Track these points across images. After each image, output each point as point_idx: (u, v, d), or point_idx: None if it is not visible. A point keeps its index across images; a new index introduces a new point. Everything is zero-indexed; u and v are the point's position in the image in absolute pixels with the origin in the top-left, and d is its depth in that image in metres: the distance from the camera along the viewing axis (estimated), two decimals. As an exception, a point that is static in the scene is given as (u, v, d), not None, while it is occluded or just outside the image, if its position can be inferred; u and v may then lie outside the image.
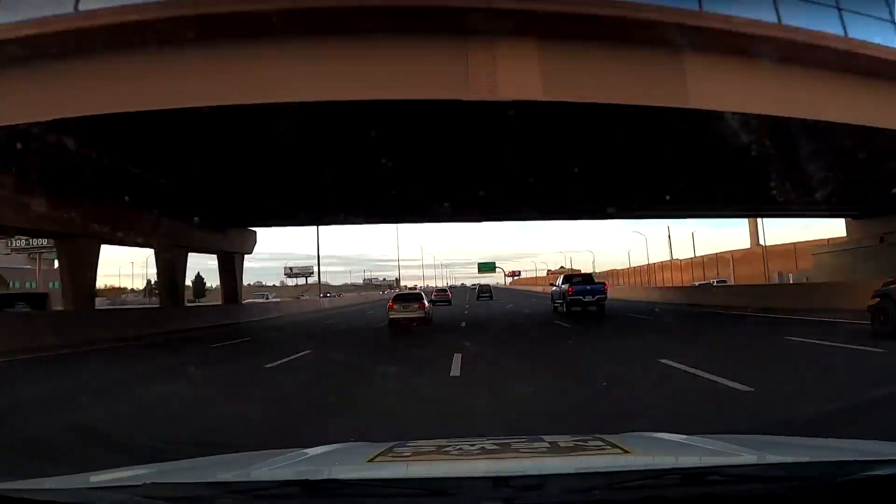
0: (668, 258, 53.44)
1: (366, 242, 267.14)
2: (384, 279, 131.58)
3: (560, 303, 23.05)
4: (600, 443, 1.82)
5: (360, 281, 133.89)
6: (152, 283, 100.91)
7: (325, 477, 1.47)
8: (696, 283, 37.77)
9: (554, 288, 25.44)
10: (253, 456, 1.84)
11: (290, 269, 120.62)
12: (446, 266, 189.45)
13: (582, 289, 21.83)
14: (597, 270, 66.99)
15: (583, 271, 44.88)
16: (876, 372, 7.04)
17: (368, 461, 1.75)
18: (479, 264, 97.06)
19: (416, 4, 8.98)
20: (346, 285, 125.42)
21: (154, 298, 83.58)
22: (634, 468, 1.57)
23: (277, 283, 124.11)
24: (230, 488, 1.39)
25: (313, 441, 2.24)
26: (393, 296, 21.68)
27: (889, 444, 1.66)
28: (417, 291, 23.90)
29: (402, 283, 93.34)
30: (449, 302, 40.65)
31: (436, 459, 1.89)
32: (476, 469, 1.69)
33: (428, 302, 20.07)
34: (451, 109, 10.52)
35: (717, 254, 43.01)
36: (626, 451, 1.72)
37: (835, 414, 4.73)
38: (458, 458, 1.82)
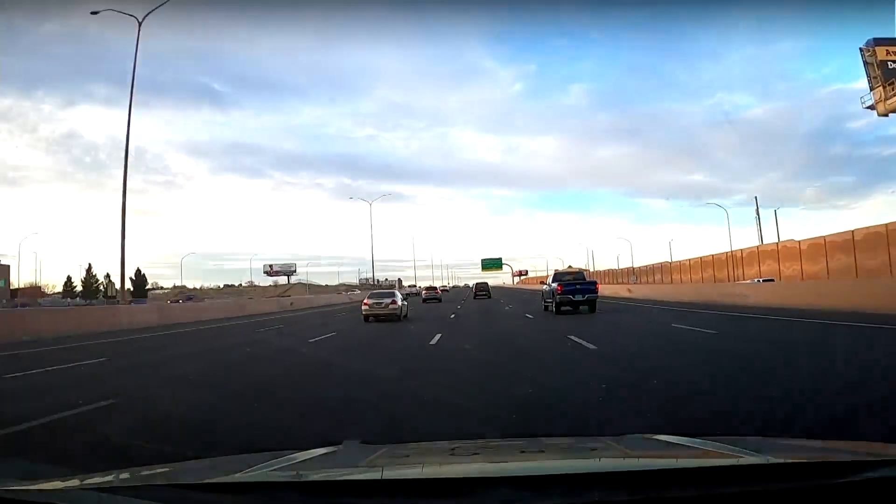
0: (761, 243, 41.89)
1: (371, 244, 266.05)
2: (386, 279, 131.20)
3: (550, 302, 22.17)
4: (599, 444, 1.84)
5: (356, 280, 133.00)
6: (72, 279, 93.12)
7: (322, 478, 1.48)
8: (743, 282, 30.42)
9: (544, 287, 24.56)
10: (251, 457, 1.84)
11: (270, 266, 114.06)
12: (450, 267, 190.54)
13: (572, 287, 21.04)
14: (634, 265, 62.57)
15: (588, 269, 43.63)
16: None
17: (368, 462, 1.77)
18: (483, 261, 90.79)
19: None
20: (340, 285, 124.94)
21: (76, 300, 75.45)
22: (634, 469, 1.58)
23: (270, 283, 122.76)
24: (228, 490, 1.39)
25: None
26: (367, 295, 24.08)
27: (888, 446, 1.68)
28: (391, 290, 28.00)
29: (406, 284, 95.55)
30: (439, 300, 44.50)
31: (435, 461, 1.90)
32: (475, 470, 1.70)
33: (402, 300, 22.58)
34: None
35: (886, 225, 24.14)
36: (625, 453, 1.73)
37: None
38: (457, 460, 1.83)
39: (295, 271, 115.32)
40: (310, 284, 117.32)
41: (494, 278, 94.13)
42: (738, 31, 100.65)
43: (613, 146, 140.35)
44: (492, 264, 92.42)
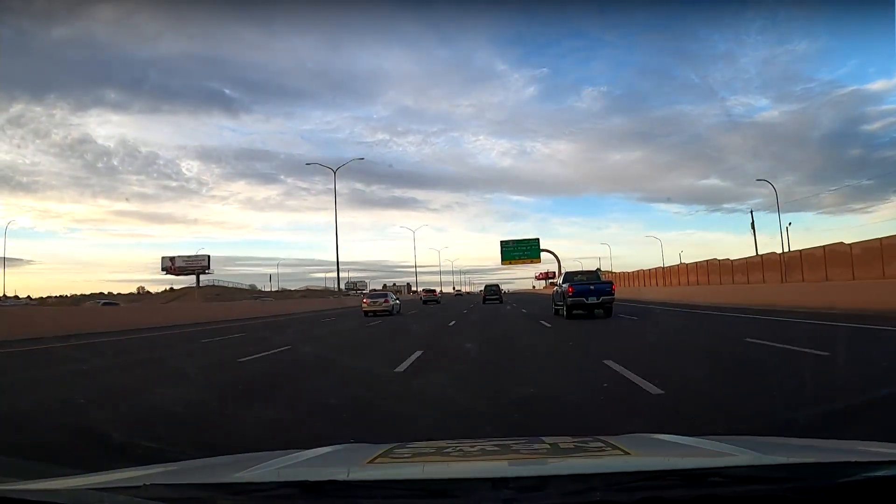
0: None
1: (385, 249, 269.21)
2: (394, 284, 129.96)
3: (561, 305, 20.43)
4: (600, 444, 1.84)
5: (343, 286, 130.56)
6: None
7: (324, 478, 1.47)
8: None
9: (556, 288, 22.70)
10: (253, 457, 1.84)
11: (171, 260, 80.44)
12: (465, 272, 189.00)
13: (584, 289, 19.08)
14: (729, 257, 43.85)
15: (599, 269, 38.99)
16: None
17: (368, 462, 1.77)
18: (502, 243, 57.88)
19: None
20: (305, 289, 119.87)
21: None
22: (634, 469, 1.57)
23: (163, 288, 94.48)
24: (230, 490, 1.40)
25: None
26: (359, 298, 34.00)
27: (889, 446, 1.69)
28: (384, 291, 38.27)
29: (420, 289, 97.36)
30: (438, 301, 51.01)
31: (436, 461, 1.90)
32: (476, 470, 1.70)
33: (394, 300, 30.22)
34: None
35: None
36: (625, 453, 1.73)
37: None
38: (457, 460, 1.83)
39: (208, 267, 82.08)
40: (280, 290, 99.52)
41: (522, 277, 74.72)
42: (752, 32, 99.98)
43: (627, 150, 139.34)
44: (519, 252, 56.69)
